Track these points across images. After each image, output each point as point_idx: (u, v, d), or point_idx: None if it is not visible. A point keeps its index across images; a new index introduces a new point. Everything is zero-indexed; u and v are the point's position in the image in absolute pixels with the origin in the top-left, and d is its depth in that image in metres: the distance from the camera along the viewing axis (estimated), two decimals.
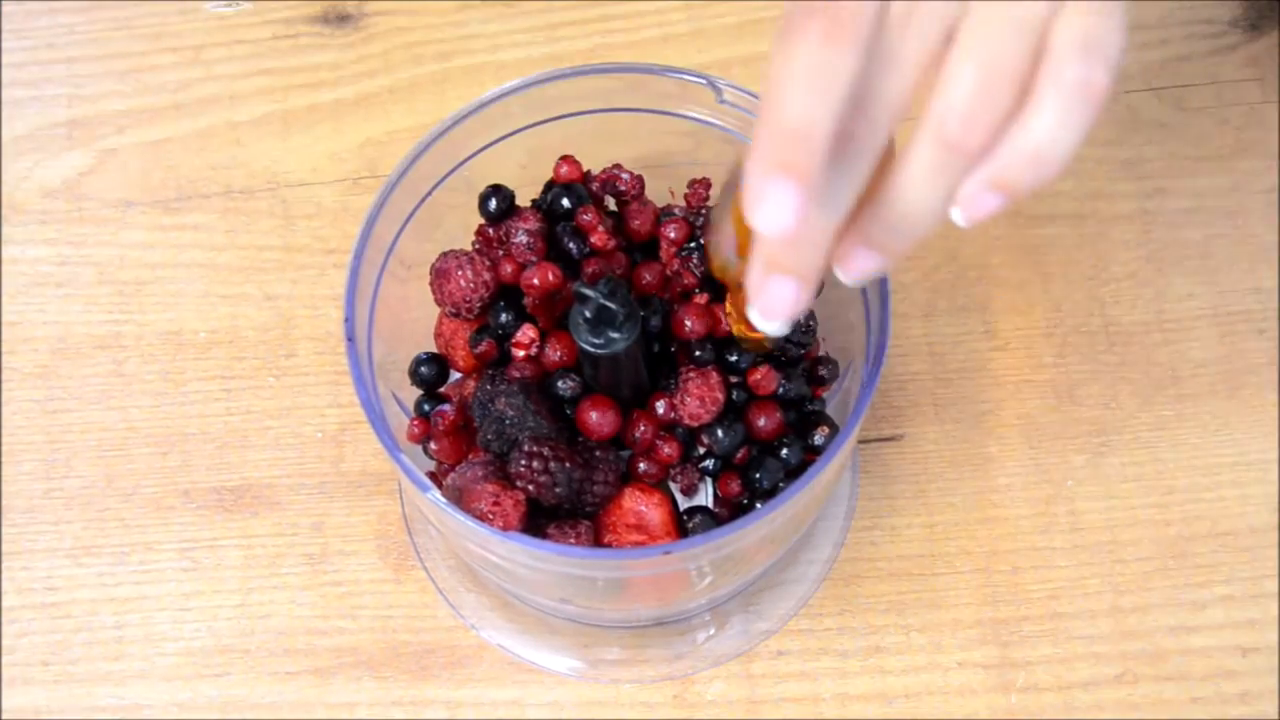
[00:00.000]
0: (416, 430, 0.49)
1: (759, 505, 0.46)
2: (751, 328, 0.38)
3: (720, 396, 0.47)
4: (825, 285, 0.49)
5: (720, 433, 0.47)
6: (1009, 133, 0.33)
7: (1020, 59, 0.33)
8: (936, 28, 0.33)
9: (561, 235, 0.49)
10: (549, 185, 0.52)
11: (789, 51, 0.32)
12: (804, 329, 0.49)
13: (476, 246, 0.51)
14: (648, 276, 0.50)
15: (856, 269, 0.37)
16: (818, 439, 0.48)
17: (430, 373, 0.51)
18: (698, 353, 0.48)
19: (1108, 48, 0.33)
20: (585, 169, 0.52)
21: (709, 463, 0.49)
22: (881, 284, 0.45)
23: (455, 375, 0.52)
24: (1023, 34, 0.33)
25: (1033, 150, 0.33)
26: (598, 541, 0.46)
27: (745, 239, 0.41)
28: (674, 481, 0.49)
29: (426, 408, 0.51)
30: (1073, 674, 0.53)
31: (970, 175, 0.34)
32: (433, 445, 0.48)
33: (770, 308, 0.37)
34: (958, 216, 0.35)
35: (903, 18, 0.33)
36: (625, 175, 0.51)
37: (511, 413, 0.45)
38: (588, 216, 0.49)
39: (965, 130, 0.33)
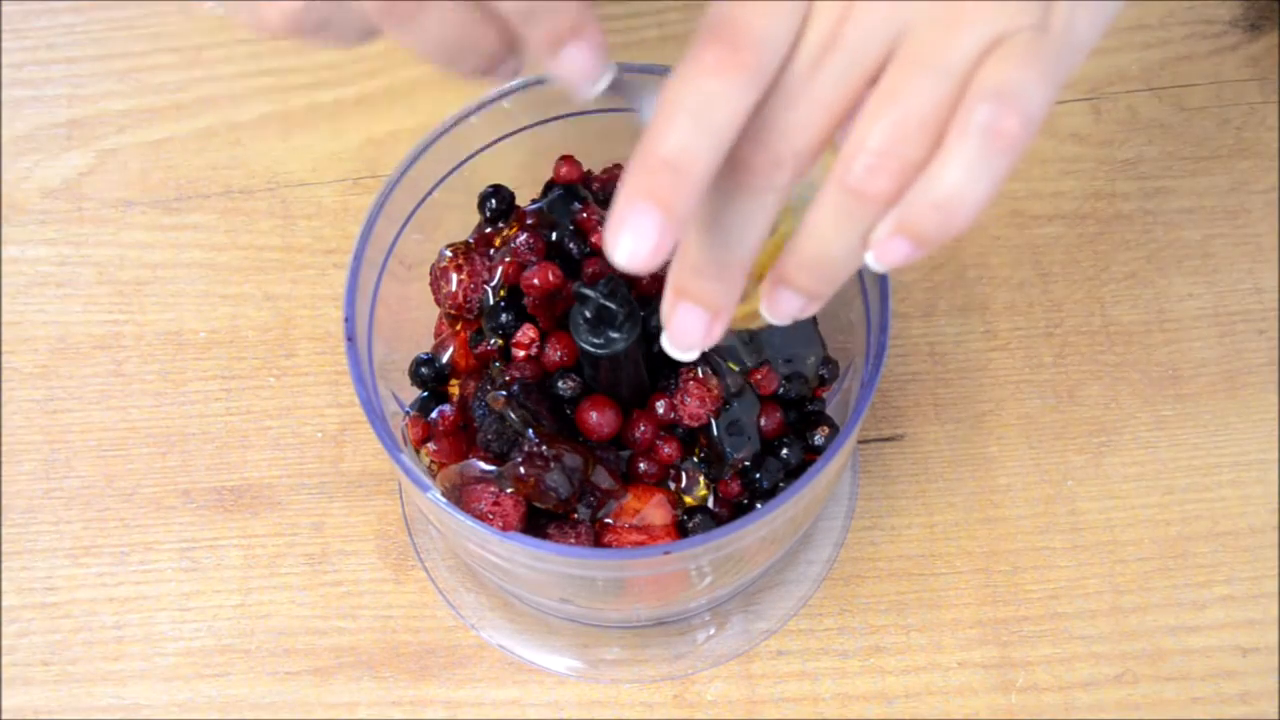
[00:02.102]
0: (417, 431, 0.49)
1: (759, 505, 0.46)
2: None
3: (720, 396, 0.47)
4: None
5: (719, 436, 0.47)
6: (919, 180, 0.32)
7: (936, 106, 0.32)
8: (857, 69, 0.32)
9: (561, 235, 0.49)
10: (549, 185, 0.52)
11: (680, 78, 0.32)
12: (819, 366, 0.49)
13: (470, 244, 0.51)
14: (648, 277, 0.50)
15: (778, 308, 0.36)
16: (818, 439, 0.48)
17: (430, 373, 0.51)
18: None
19: (1025, 96, 0.31)
20: (585, 169, 0.51)
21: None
22: (882, 284, 0.45)
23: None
24: (944, 81, 0.32)
25: (939, 199, 0.32)
26: (598, 541, 0.46)
27: None
28: (673, 481, 0.49)
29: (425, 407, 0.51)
30: (1073, 674, 0.53)
31: (883, 220, 0.33)
32: (431, 445, 0.48)
33: (678, 337, 0.36)
34: (870, 260, 0.34)
35: (819, 52, 0.32)
36: None
37: (512, 413, 0.45)
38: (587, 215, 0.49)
39: (869, 177, 0.32)
